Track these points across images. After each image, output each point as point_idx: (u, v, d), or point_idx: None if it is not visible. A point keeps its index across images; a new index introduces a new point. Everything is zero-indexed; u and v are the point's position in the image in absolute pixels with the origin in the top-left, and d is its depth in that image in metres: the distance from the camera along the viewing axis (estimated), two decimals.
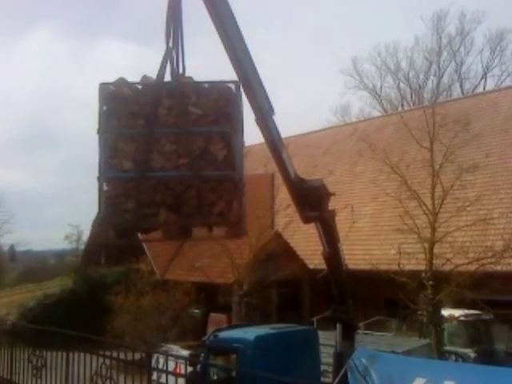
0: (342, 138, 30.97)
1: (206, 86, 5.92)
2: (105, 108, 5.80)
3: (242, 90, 6.21)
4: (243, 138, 6.32)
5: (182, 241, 11.94)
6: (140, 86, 5.97)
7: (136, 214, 5.64)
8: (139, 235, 6.28)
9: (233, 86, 5.92)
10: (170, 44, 6.06)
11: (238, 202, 5.71)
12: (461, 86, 45.00)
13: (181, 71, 6.18)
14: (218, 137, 5.73)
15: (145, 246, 22.81)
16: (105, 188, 5.74)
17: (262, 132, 7.33)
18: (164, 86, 5.91)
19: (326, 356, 10.21)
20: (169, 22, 6.06)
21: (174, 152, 5.72)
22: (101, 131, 5.75)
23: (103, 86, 5.80)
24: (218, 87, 5.86)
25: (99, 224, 5.83)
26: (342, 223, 13.77)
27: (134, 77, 6.12)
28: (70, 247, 52.01)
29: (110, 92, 5.82)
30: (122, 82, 5.92)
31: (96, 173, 5.73)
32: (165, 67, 5.99)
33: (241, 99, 6.15)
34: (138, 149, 5.71)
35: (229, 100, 5.79)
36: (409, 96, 47.38)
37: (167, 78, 6.08)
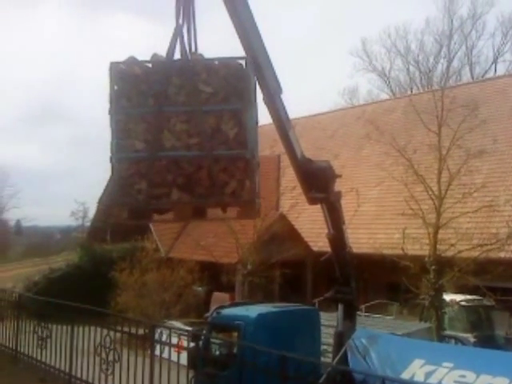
0: (349, 120, 30.79)
1: (216, 62, 5.84)
2: (116, 88, 5.73)
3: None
4: (257, 113, 6.20)
5: (194, 221, 12.01)
6: (150, 65, 5.90)
7: (148, 195, 5.59)
8: (153, 216, 6.16)
9: (243, 62, 5.84)
10: (180, 21, 6.02)
11: (250, 180, 5.62)
12: (471, 71, 44.64)
13: (193, 48, 6.15)
14: (229, 115, 5.63)
15: (150, 224, 22.92)
16: (117, 168, 5.68)
17: (270, 111, 7.27)
18: (174, 64, 5.84)
19: (327, 336, 10.30)
20: None
21: (184, 131, 5.63)
22: (112, 112, 5.69)
23: (114, 65, 5.73)
24: (227, 64, 5.78)
25: (112, 204, 5.79)
26: (346, 207, 13.72)
27: (146, 55, 6.11)
28: (75, 224, 52.42)
29: (121, 71, 5.75)
30: (132, 60, 5.86)
31: (104, 150, 5.76)
32: (174, 45, 5.95)
33: (252, 74, 6.06)
34: (148, 128, 5.64)
35: (239, 76, 5.69)
36: (418, 79, 46.97)
37: (177, 55, 6.05)
